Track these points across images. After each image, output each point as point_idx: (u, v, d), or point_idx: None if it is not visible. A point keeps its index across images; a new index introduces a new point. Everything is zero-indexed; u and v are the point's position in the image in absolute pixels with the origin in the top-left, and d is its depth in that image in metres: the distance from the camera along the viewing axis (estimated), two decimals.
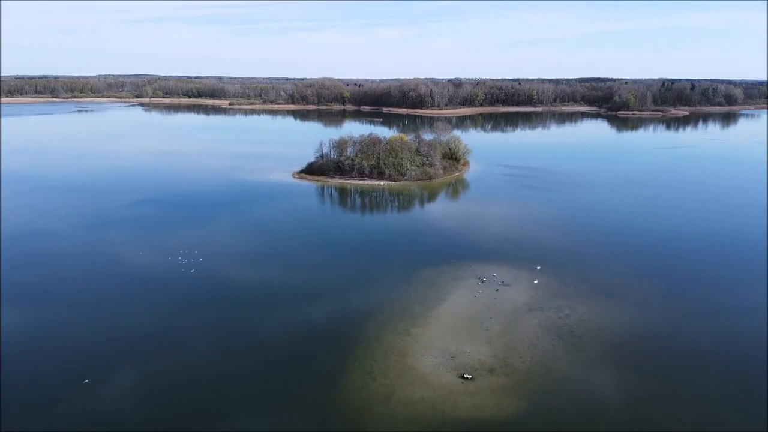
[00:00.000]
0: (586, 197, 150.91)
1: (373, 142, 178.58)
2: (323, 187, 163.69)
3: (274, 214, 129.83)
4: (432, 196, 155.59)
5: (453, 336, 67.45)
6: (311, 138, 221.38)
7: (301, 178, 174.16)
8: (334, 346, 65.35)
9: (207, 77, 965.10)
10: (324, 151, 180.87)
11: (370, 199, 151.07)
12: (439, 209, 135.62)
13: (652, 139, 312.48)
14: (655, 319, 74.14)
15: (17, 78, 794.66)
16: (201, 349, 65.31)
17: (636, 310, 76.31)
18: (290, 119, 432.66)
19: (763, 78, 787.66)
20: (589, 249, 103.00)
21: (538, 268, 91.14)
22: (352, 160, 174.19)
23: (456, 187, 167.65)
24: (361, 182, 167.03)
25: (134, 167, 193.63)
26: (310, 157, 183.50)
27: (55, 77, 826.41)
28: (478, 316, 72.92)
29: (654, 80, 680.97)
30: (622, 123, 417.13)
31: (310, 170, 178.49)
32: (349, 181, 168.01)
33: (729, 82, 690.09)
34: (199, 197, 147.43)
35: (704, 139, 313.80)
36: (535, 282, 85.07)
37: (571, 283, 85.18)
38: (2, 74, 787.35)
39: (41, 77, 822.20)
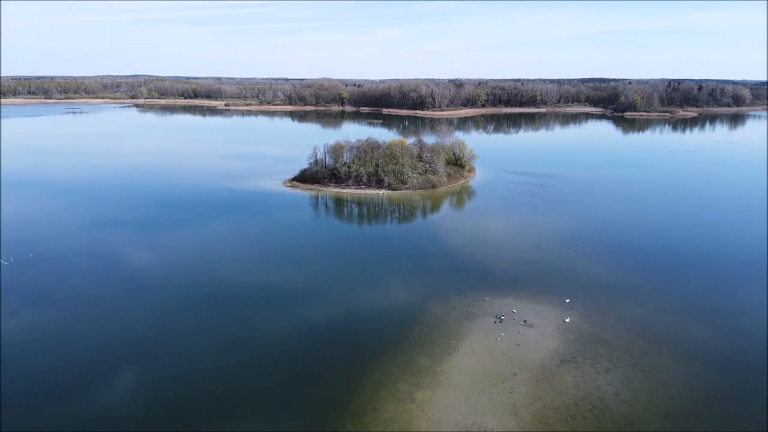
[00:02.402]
0: (606, 209, 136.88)
1: (371, 147, 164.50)
2: (317, 197, 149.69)
3: (258, 231, 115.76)
4: (436, 207, 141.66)
5: (469, 402, 53.43)
6: (307, 140, 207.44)
7: (293, 186, 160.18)
8: (317, 421, 51.33)
9: (206, 78, 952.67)
10: (318, 157, 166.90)
11: (368, 210, 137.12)
12: (445, 224, 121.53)
13: (665, 142, 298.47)
14: (714, 375, 60.18)
15: (13, 78, 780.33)
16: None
17: (691, 364, 62.28)
18: (287, 120, 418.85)
19: (764, 78, 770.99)
20: (621, 275, 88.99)
21: (567, 300, 77.21)
22: (348, 166, 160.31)
23: (462, 197, 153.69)
24: (358, 191, 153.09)
25: (115, 171, 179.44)
26: (304, 162, 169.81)
27: (52, 78, 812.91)
28: (498, 372, 58.89)
29: (656, 80, 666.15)
30: (629, 124, 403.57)
31: (303, 177, 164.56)
32: (345, 190, 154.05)
33: (730, 82, 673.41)
34: (173, 209, 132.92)
35: (717, 141, 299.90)
36: (567, 320, 71.10)
37: (606, 323, 71.14)
38: (1, 75, 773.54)
39: (38, 78, 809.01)
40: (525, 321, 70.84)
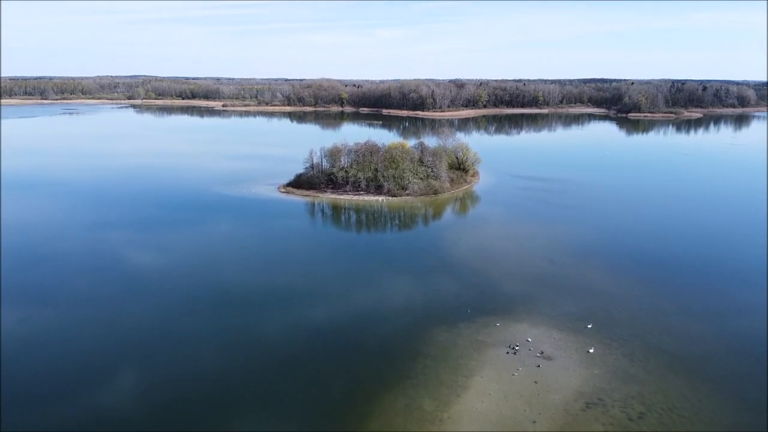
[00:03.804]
0: (619, 216, 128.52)
1: (370, 150, 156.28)
2: (313, 204, 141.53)
3: (247, 242, 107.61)
4: (438, 215, 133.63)
5: None
6: (305, 140, 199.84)
7: (287, 192, 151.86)
8: None
9: (206, 78, 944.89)
10: (314, 161, 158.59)
11: (366, 218, 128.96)
12: (449, 234, 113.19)
13: (674, 144, 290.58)
14: (762, 420, 52.07)
15: (12, 79, 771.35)
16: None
17: (733, 406, 54.15)
18: (285, 121, 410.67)
19: (764, 79, 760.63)
20: (642, 294, 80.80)
21: (589, 326, 69.12)
22: (346, 171, 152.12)
23: (465, 204, 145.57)
24: (356, 197, 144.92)
25: (100, 175, 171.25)
26: (300, 164, 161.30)
27: (50, 78, 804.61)
28: (516, 420, 50.70)
29: (657, 81, 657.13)
30: (633, 125, 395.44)
31: (299, 183, 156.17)
32: (342, 197, 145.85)
33: (730, 82, 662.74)
34: (156, 219, 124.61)
35: (725, 143, 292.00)
36: (590, 351, 62.96)
37: (634, 354, 62.95)
38: (0, 75, 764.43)
39: (37, 78, 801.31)
40: (542, 352, 62.66)
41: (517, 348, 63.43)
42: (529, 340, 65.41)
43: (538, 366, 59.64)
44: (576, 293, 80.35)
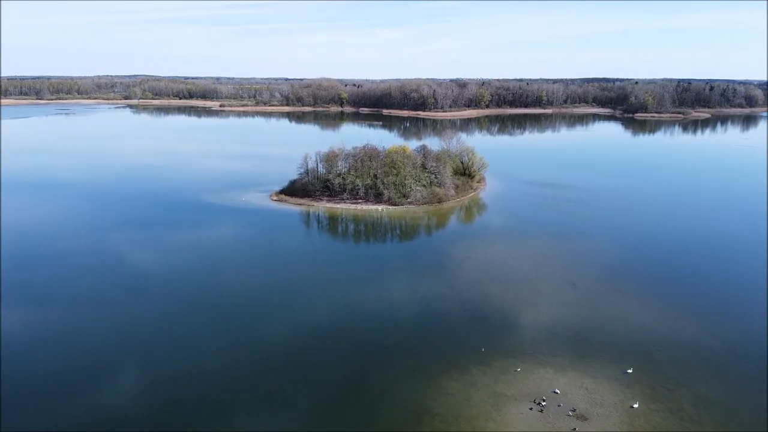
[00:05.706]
0: (647, 229, 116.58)
1: (369, 155, 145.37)
2: (308, 214, 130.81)
3: (224, 260, 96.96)
4: (442, 226, 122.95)
5: None
6: (302, 140, 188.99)
7: (280, 200, 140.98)
8: None
9: (205, 78, 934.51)
10: (309, 166, 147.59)
11: (365, 229, 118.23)
12: (455, 250, 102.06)
13: (686, 146, 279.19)
14: None
15: (9, 79, 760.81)
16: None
17: None
18: (284, 122, 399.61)
19: (763, 79, 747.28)
20: (686, 328, 69.88)
21: (629, 371, 58.31)
22: (343, 178, 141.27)
23: (472, 213, 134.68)
24: (354, 206, 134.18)
25: (83, 179, 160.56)
26: (295, 168, 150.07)
27: (48, 78, 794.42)
28: None
29: (659, 80, 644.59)
30: (640, 126, 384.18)
31: (292, 190, 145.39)
32: (339, 205, 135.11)
33: (732, 82, 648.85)
34: (132, 236, 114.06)
35: (737, 144, 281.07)
36: (635, 406, 52.16)
37: (683, 410, 52.13)
38: (0, 75, 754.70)
39: (36, 78, 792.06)
40: (574, 410, 51.79)
41: (543, 403, 52.63)
42: (557, 391, 54.58)
43: (573, 430, 48.82)
44: (605, 326, 69.54)
